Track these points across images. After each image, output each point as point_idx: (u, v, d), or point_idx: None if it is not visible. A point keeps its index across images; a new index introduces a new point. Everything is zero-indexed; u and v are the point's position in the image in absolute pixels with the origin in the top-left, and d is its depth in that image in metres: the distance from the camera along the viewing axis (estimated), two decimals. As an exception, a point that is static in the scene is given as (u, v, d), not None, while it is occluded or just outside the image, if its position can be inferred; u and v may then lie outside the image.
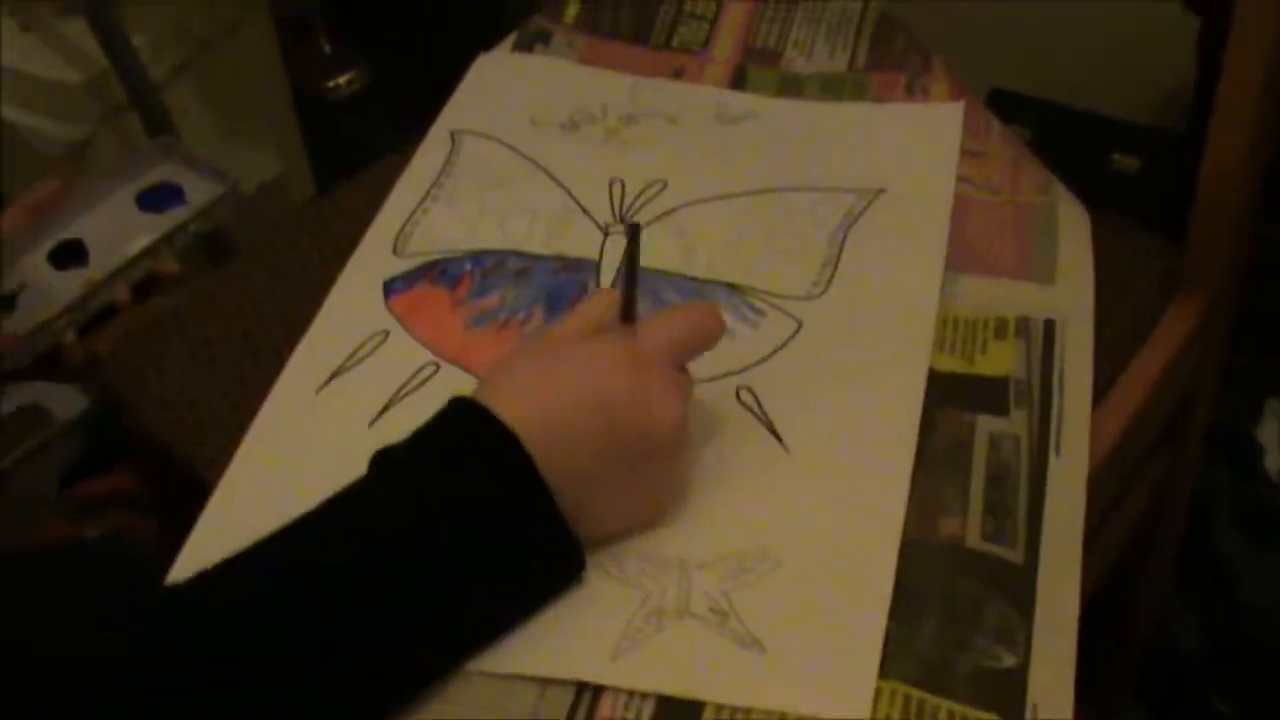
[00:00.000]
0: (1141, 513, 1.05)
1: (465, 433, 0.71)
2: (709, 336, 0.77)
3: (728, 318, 0.87)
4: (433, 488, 0.68)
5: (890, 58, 1.07)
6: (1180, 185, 0.99)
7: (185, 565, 0.77)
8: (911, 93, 1.04)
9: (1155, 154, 1.49)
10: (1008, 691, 0.70)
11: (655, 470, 0.74)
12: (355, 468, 0.80)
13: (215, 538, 0.78)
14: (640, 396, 0.72)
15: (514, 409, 0.69)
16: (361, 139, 1.06)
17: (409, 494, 0.68)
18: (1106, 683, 1.26)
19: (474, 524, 0.68)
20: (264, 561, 0.67)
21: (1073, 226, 0.95)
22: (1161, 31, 1.49)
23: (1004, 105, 1.57)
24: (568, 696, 0.70)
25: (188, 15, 1.45)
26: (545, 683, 0.70)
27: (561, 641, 0.72)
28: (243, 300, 0.95)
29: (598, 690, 0.70)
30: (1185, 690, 1.27)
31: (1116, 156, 1.50)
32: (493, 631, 0.71)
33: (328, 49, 1.82)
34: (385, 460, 0.71)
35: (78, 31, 1.38)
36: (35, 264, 0.95)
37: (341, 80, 1.81)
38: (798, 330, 0.87)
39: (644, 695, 0.70)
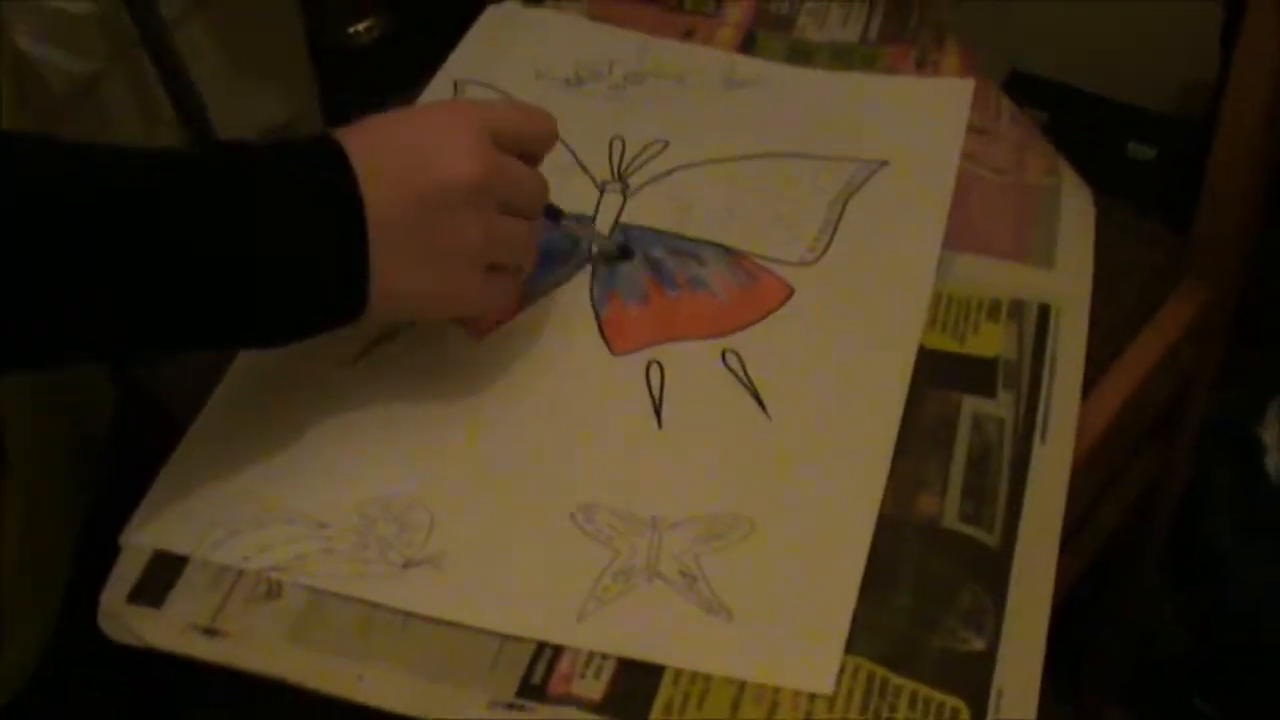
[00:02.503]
0: (1129, 507, 1.04)
1: (301, 148, 0.71)
2: (541, 128, 0.79)
3: (719, 278, 0.86)
4: (255, 168, 0.69)
5: (903, 31, 1.06)
6: (1194, 177, 0.97)
7: (151, 505, 0.77)
8: (922, 67, 1.03)
9: (1171, 144, 1.47)
10: (974, 675, 0.69)
11: (449, 237, 0.73)
12: (329, 415, 0.80)
13: (185, 480, 0.78)
14: (445, 145, 0.72)
15: (359, 155, 0.70)
16: (377, 88, 1.04)
17: (231, 158, 0.69)
18: (1092, 682, 1.25)
19: (280, 208, 0.68)
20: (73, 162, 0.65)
21: (1076, 212, 0.93)
22: (1187, 20, 1.47)
23: (1022, 87, 1.55)
24: (527, 652, 0.70)
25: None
26: (504, 638, 0.70)
27: (527, 597, 0.71)
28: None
29: (558, 650, 0.69)
30: (1167, 689, 1.26)
31: (1132, 145, 1.49)
32: (248, 330, 0.71)
33: (346, -5, 1.82)
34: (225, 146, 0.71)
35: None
36: None
37: (361, 27, 1.80)
38: (789, 296, 0.86)
39: (604, 656, 0.69)
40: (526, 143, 0.78)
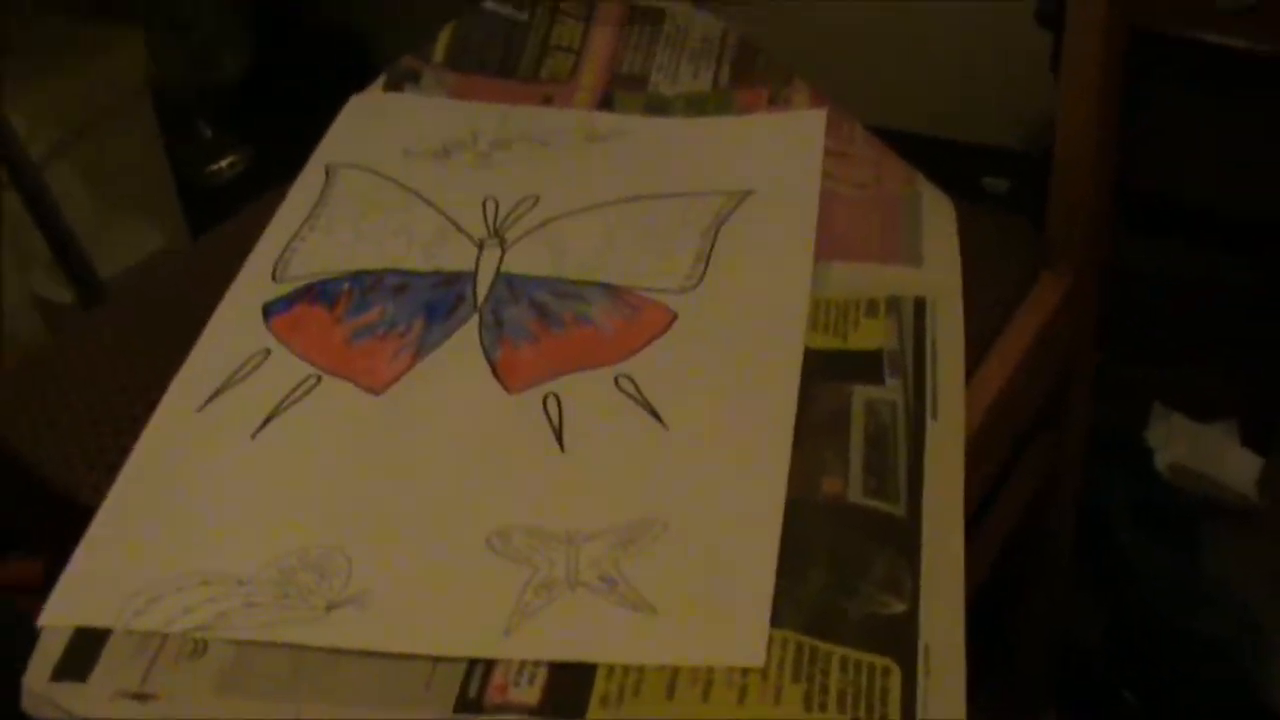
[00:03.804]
0: (1031, 495, 1.06)
1: None
2: None
3: (604, 313, 0.89)
4: None
5: (752, 75, 1.10)
6: (1046, 201, 1.02)
7: (68, 585, 0.76)
8: (774, 104, 1.07)
9: (1022, 175, 1.53)
10: (899, 635, 0.71)
11: None
12: (239, 479, 0.81)
13: (101, 556, 0.78)
14: None
15: None
16: None
17: None
18: (1019, 676, 1.27)
19: None
20: None
21: (937, 213, 0.97)
22: (1020, 58, 1.53)
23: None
24: (459, 671, 0.70)
25: (64, 98, 1.45)
26: (436, 660, 0.70)
27: (453, 621, 0.72)
28: (121, 338, 0.95)
29: (490, 663, 0.70)
30: (1093, 684, 1.28)
31: (987, 180, 1.54)
32: None
33: (208, 134, 1.84)
34: None
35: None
36: None
37: (223, 164, 1.83)
38: (673, 320, 0.88)
39: (536, 663, 0.70)
40: None
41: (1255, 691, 1.26)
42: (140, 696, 0.71)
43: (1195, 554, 1.34)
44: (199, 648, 0.73)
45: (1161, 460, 1.43)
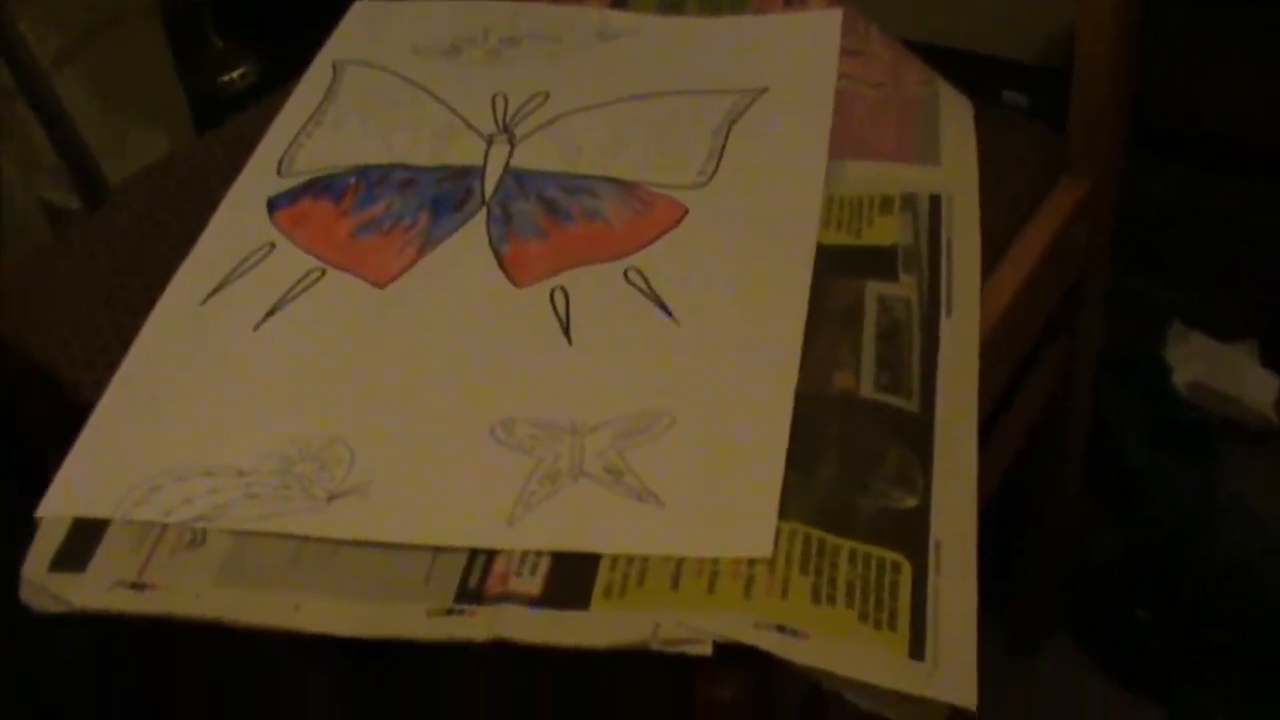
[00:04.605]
0: (1045, 400, 1.05)
1: None
2: None
3: (614, 207, 0.87)
4: None
5: (769, -24, 1.08)
6: (1065, 116, 1.00)
7: (66, 476, 0.75)
8: (790, 4, 1.05)
9: (1042, 90, 1.50)
10: (910, 530, 0.69)
11: None
12: (240, 371, 0.80)
13: (100, 448, 0.77)
14: None
15: None
16: None
17: None
18: (1032, 591, 1.26)
19: None
20: None
21: (955, 113, 0.95)
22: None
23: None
24: (461, 560, 0.69)
25: (69, 4, 1.43)
26: (437, 550, 0.69)
27: (454, 510, 0.71)
28: (124, 236, 0.94)
29: (492, 553, 0.69)
30: (1107, 599, 1.27)
31: (1006, 93, 1.52)
32: None
33: (219, 44, 1.82)
34: None
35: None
36: None
37: (234, 75, 1.80)
38: (684, 215, 0.86)
39: (539, 553, 0.69)
40: None
41: (1272, 610, 1.24)
42: (138, 586, 0.70)
43: (1212, 473, 1.32)
44: (198, 538, 0.72)
45: (1180, 378, 1.41)
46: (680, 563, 0.67)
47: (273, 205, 0.90)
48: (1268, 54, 1.54)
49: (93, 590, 0.70)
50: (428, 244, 0.86)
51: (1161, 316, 1.50)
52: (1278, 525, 1.28)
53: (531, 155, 0.92)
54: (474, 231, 0.87)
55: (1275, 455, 1.42)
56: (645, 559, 0.67)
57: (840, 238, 0.84)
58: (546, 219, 0.87)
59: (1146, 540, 1.25)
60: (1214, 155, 1.60)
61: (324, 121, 0.97)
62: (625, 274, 0.83)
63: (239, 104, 1.77)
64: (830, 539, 0.68)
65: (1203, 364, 1.43)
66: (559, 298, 0.82)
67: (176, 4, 1.66)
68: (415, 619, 0.67)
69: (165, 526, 0.72)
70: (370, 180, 0.91)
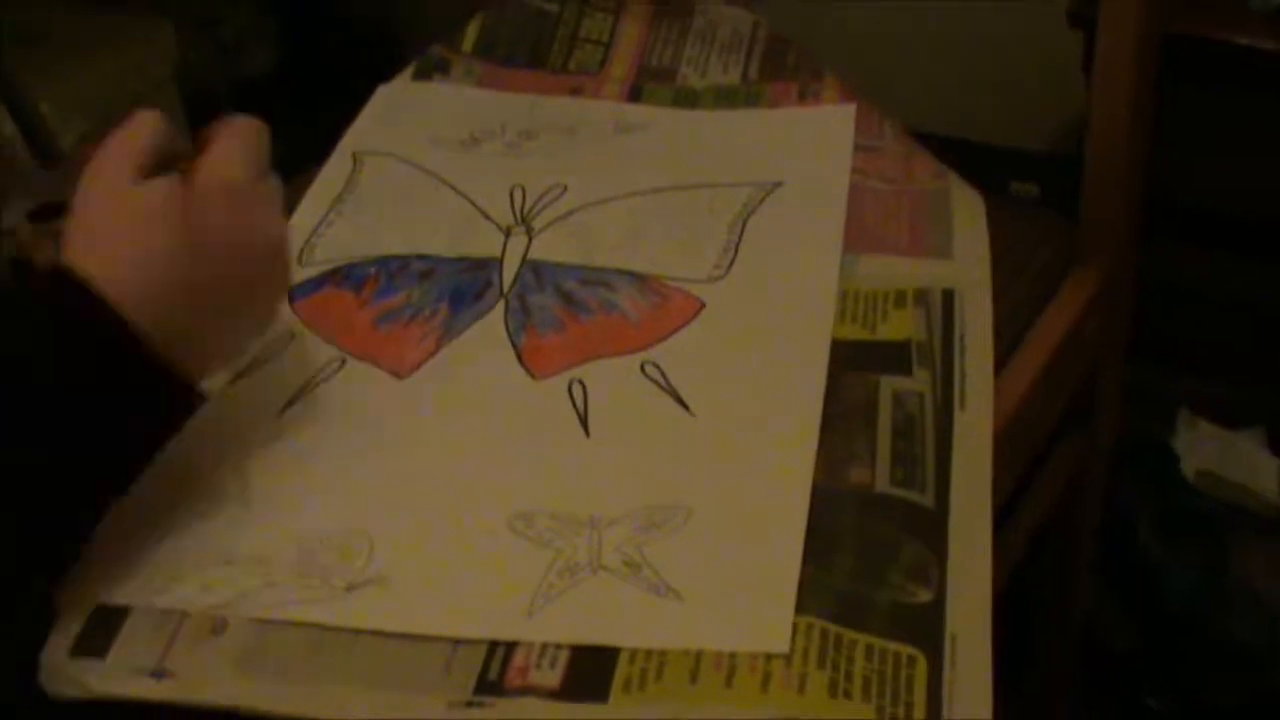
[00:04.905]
0: (1058, 493, 1.06)
1: (61, 304, 0.71)
2: (257, 131, 0.79)
3: (631, 300, 0.88)
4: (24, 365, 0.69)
5: (783, 70, 1.09)
6: (1077, 203, 1.01)
7: (88, 561, 0.76)
8: (804, 99, 1.06)
9: (1052, 179, 1.52)
10: (926, 624, 0.70)
11: (263, 277, 0.77)
12: (262, 459, 0.81)
13: (122, 534, 0.77)
14: (229, 218, 0.74)
15: (104, 270, 0.70)
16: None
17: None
18: (1044, 682, 1.26)
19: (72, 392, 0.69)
20: None
21: (967, 207, 0.96)
22: (1052, 60, 1.53)
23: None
24: (480, 653, 0.69)
25: (92, 88, 1.45)
26: (456, 642, 0.70)
27: (473, 602, 0.71)
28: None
29: (511, 645, 0.69)
30: (1118, 688, 1.27)
31: (1015, 184, 1.53)
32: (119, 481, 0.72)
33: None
34: None
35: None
36: None
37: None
38: (701, 309, 0.88)
39: (559, 646, 0.69)
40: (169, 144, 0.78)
41: (1278, 698, 1.25)
42: (159, 674, 0.70)
43: (1222, 561, 1.33)
44: (218, 626, 0.72)
45: (1189, 467, 1.42)
46: (699, 656, 0.67)
47: (293, 295, 0.91)
48: (1270, 136, 1.56)
49: (114, 677, 0.70)
50: (447, 335, 0.87)
51: (1170, 404, 1.51)
52: (1285, 612, 1.28)
53: (549, 248, 0.94)
54: (493, 323, 0.88)
55: (1283, 542, 1.43)
56: (664, 653, 0.68)
57: (855, 332, 0.85)
58: (564, 311, 0.88)
59: (1156, 629, 1.25)
60: (1218, 239, 1.62)
61: (344, 212, 0.99)
62: (642, 367, 0.84)
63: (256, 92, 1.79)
64: (847, 633, 0.68)
65: (1211, 452, 1.44)
66: (577, 390, 0.83)
67: (197, 87, 1.69)
68: (435, 710, 0.67)
69: (186, 614, 0.72)
70: (390, 270, 0.93)
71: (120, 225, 0.73)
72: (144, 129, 0.76)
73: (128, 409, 0.72)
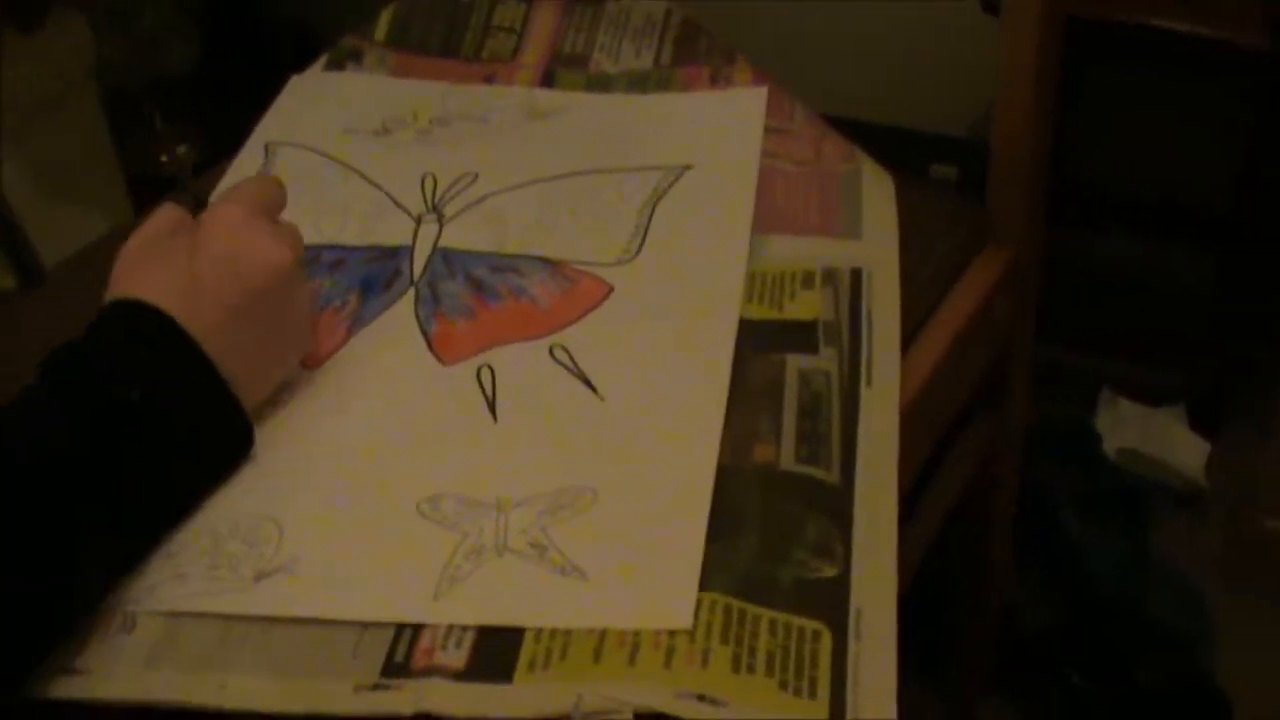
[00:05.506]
0: (972, 473, 1.07)
1: (132, 330, 0.76)
2: (274, 186, 0.85)
3: (540, 286, 0.88)
4: (104, 387, 0.73)
5: (695, 55, 1.10)
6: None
7: None
8: (716, 83, 1.07)
9: (971, 163, 1.53)
10: (830, 599, 0.70)
11: (281, 311, 0.79)
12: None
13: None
14: (248, 251, 0.77)
15: (166, 301, 0.75)
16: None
17: (82, 401, 0.73)
18: (963, 664, 1.27)
19: (149, 415, 0.73)
20: None
21: (876, 188, 0.97)
22: (969, 46, 1.54)
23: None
24: (388, 636, 0.69)
25: (8, 86, 1.44)
26: (364, 626, 0.70)
27: (380, 586, 0.72)
28: (57, 319, 0.94)
29: (418, 627, 0.69)
30: (1041, 666, 1.28)
31: (935, 167, 1.55)
32: (174, 514, 0.75)
33: (160, 124, 1.83)
34: (53, 364, 0.75)
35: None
36: None
37: (177, 153, 1.82)
38: (609, 292, 0.88)
39: (465, 627, 0.69)
40: (279, 205, 0.85)
41: (1202, 674, 1.26)
42: (71, 671, 0.70)
43: (1143, 538, 1.34)
44: (128, 621, 0.72)
45: (1110, 445, 1.43)
46: (603, 635, 0.68)
47: (204, 286, 0.91)
48: (1190, 121, 1.58)
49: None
50: (356, 324, 0.87)
51: (1091, 383, 1.52)
52: (1206, 589, 1.30)
53: (460, 235, 0.94)
54: (402, 311, 0.88)
55: (1204, 518, 1.44)
56: (568, 632, 0.68)
57: (763, 312, 0.86)
58: (474, 298, 0.88)
59: (1079, 606, 1.27)
60: (1136, 222, 1.63)
61: (255, 203, 0.98)
62: (551, 351, 0.84)
63: (180, 183, 1.78)
64: (751, 609, 0.69)
65: (1132, 430, 1.46)
66: (485, 375, 0.83)
67: (118, 84, 1.68)
68: (342, 694, 0.67)
69: (96, 610, 0.72)
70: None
71: (168, 265, 0.78)
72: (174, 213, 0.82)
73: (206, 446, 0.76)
